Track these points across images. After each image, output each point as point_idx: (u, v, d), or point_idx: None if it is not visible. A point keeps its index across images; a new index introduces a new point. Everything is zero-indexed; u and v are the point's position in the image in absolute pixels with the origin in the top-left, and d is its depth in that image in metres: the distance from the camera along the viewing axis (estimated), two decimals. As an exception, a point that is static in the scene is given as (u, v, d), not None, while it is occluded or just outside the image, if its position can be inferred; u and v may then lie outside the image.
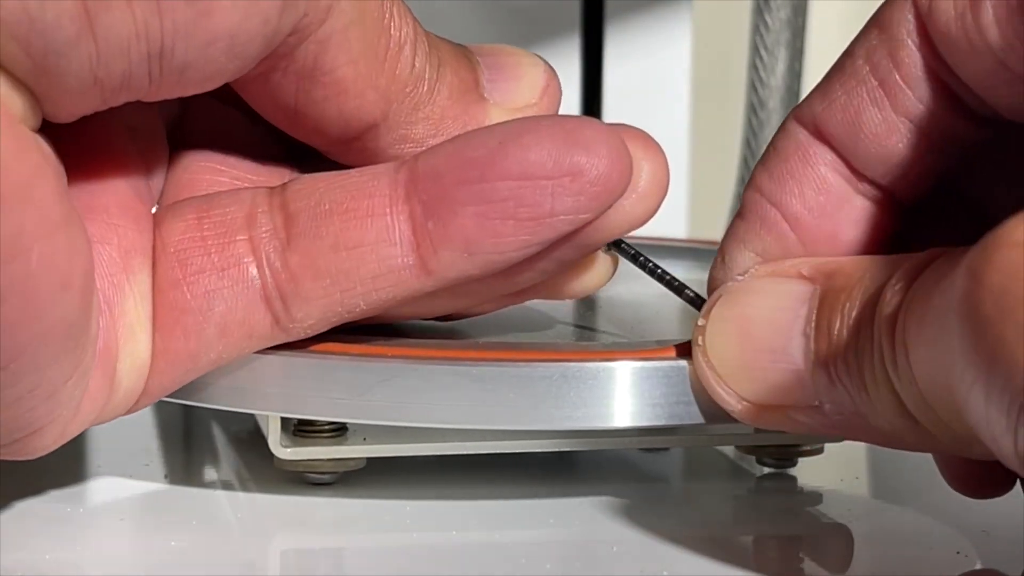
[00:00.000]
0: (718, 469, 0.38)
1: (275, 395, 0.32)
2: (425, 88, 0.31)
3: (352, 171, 0.31)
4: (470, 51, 0.33)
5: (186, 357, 0.30)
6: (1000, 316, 0.24)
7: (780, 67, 0.64)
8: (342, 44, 0.29)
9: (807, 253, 0.31)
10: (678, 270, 0.47)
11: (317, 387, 0.32)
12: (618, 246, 0.33)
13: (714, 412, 0.31)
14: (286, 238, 0.30)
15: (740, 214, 0.32)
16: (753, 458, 0.36)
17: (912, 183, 0.30)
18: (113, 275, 0.29)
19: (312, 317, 0.30)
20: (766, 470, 0.37)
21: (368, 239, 0.30)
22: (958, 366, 0.25)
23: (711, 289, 0.32)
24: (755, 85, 0.65)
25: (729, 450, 0.38)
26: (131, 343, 0.30)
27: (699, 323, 0.31)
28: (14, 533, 0.31)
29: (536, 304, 0.37)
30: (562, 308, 0.39)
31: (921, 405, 0.27)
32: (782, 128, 0.31)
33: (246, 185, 0.32)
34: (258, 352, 0.31)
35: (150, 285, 0.30)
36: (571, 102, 0.61)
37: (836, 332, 0.29)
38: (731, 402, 0.30)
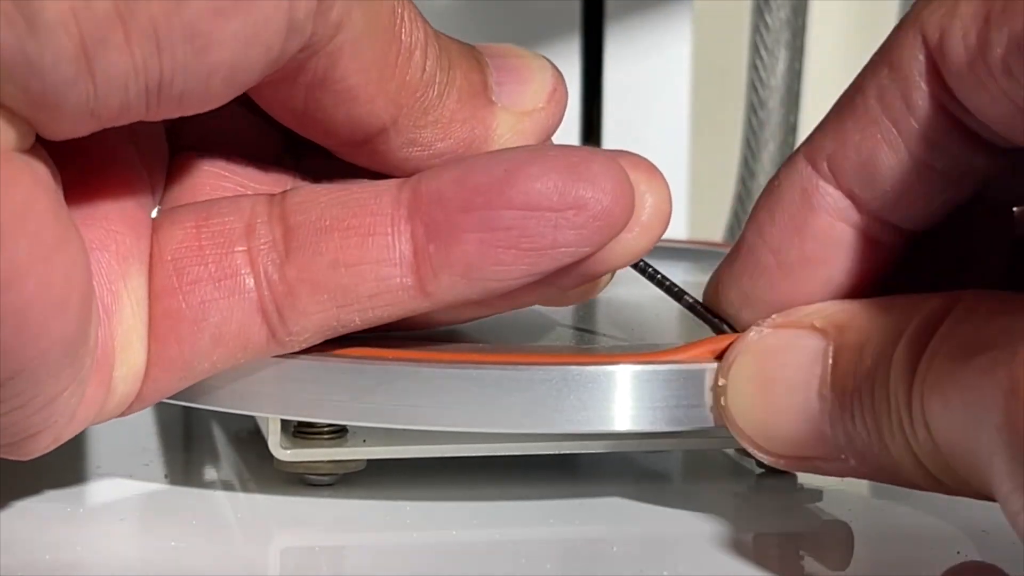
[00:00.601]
0: (718, 468, 0.38)
1: (275, 397, 0.32)
2: (435, 92, 0.31)
3: (354, 186, 0.30)
4: (479, 52, 0.33)
5: (180, 365, 0.30)
6: None
7: (780, 67, 0.64)
8: (353, 54, 0.29)
9: (796, 296, 0.31)
10: (677, 271, 0.47)
11: (317, 389, 0.32)
12: None
13: (715, 416, 0.31)
14: (285, 251, 0.30)
15: (738, 249, 0.31)
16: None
17: (928, 218, 0.30)
18: (112, 282, 0.29)
19: (308, 331, 0.30)
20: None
21: (368, 258, 0.30)
22: (997, 473, 0.25)
23: (705, 296, 0.32)
24: (755, 85, 0.65)
25: (729, 449, 0.38)
26: (128, 350, 0.30)
27: (720, 383, 0.31)
28: (14, 533, 0.31)
29: (536, 307, 0.37)
30: (562, 311, 0.39)
31: (942, 467, 0.27)
32: (789, 164, 0.31)
33: (248, 190, 0.32)
34: None
35: (146, 292, 0.30)
36: (571, 102, 0.61)
37: (851, 392, 0.29)
38: (759, 454, 0.31)
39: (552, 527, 0.33)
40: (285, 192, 0.31)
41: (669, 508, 0.34)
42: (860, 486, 0.37)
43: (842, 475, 0.30)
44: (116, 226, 0.30)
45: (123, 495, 0.35)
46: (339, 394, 0.31)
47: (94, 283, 0.29)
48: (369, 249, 0.30)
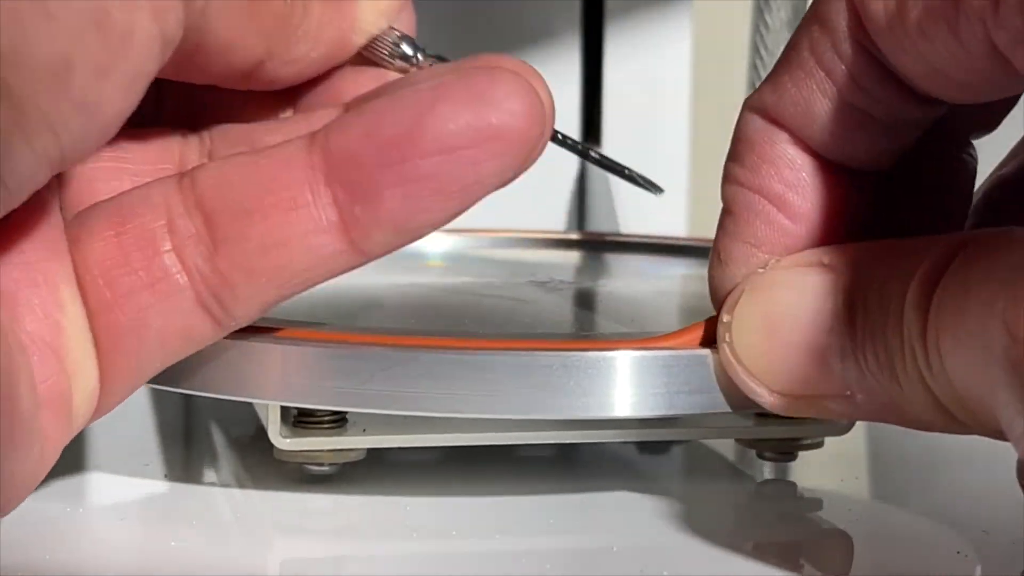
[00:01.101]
0: (718, 469, 0.38)
1: (275, 384, 0.32)
2: (301, 9, 0.31)
3: (261, 156, 0.30)
4: None
5: (130, 374, 0.30)
6: None
7: (780, 67, 0.64)
8: (220, 15, 0.29)
9: (798, 228, 0.31)
10: (678, 269, 0.47)
11: (317, 376, 0.32)
12: None
13: (722, 401, 0.31)
14: (211, 242, 0.29)
15: (725, 210, 0.32)
16: (753, 455, 0.36)
17: (876, 160, 0.31)
18: (50, 316, 0.29)
19: (252, 312, 0.30)
20: (767, 471, 0.37)
21: (296, 233, 0.29)
22: (1006, 411, 0.26)
23: (713, 290, 0.32)
24: (755, 85, 0.65)
25: (729, 451, 0.38)
26: (80, 375, 0.29)
27: (724, 319, 0.31)
28: (14, 533, 0.31)
29: (537, 300, 0.37)
30: (563, 304, 0.39)
31: (957, 402, 0.28)
32: (739, 120, 0.31)
33: (137, 164, 0.32)
34: (257, 341, 0.32)
35: (83, 312, 0.29)
36: (571, 102, 0.61)
37: (863, 324, 0.29)
38: (763, 395, 0.30)
39: (552, 527, 0.33)
40: (193, 174, 0.30)
41: (670, 513, 0.34)
42: (860, 488, 0.37)
43: (846, 416, 0.30)
44: (36, 256, 0.29)
45: (123, 495, 0.35)
46: (339, 380, 0.31)
47: (37, 324, 0.28)
48: (294, 224, 0.29)
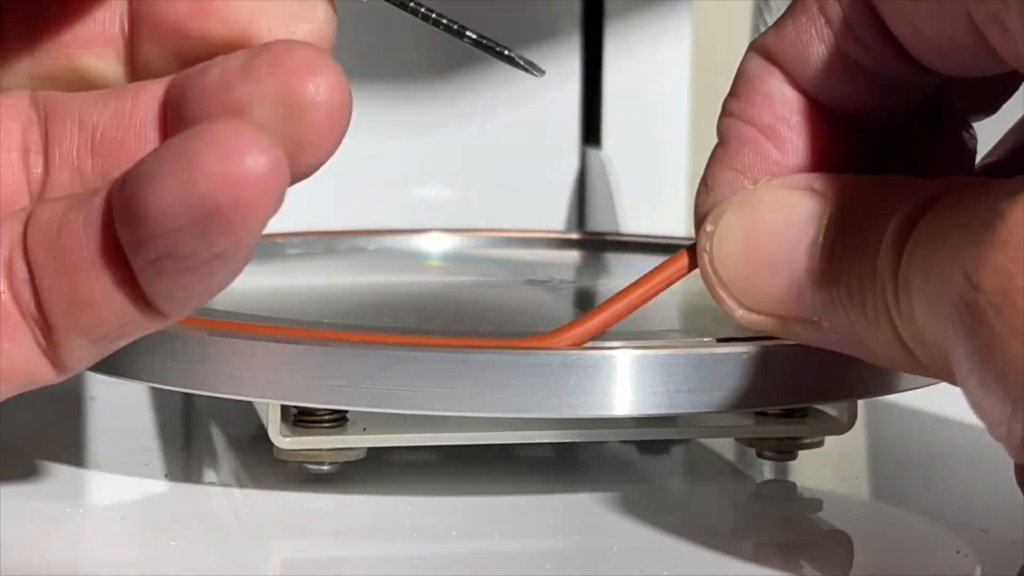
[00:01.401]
0: (718, 469, 0.38)
1: (275, 383, 0.32)
2: None
3: (72, 209, 0.28)
4: None
5: None
6: (997, 319, 0.25)
7: (780, 67, 0.64)
8: None
9: (785, 160, 0.31)
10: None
11: (317, 374, 0.32)
12: None
13: (722, 400, 0.32)
14: (35, 290, 0.29)
15: (718, 142, 0.32)
16: (753, 455, 0.36)
17: (864, 114, 0.31)
18: None
19: (85, 362, 0.29)
20: (766, 472, 0.37)
21: (97, 298, 0.28)
22: (956, 353, 0.26)
23: (697, 214, 0.32)
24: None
25: (729, 451, 0.38)
26: None
27: (707, 229, 0.31)
28: (14, 533, 0.31)
29: (537, 299, 0.37)
30: (563, 302, 0.39)
31: (920, 343, 0.28)
32: (743, 59, 0.32)
33: None
34: (258, 340, 0.32)
35: None
36: (571, 102, 0.61)
37: (840, 255, 0.29)
38: (733, 308, 0.31)
39: (552, 527, 0.33)
40: (32, 217, 0.29)
41: (670, 514, 0.34)
42: (860, 488, 0.37)
43: (810, 341, 0.30)
44: None
45: (123, 495, 0.35)
46: (339, 379, 0.31)
47: None
48: (95, 285, 0.28)
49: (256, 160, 0.26)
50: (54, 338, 0.29)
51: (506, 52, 0.31)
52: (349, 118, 0.28)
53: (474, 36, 0.31)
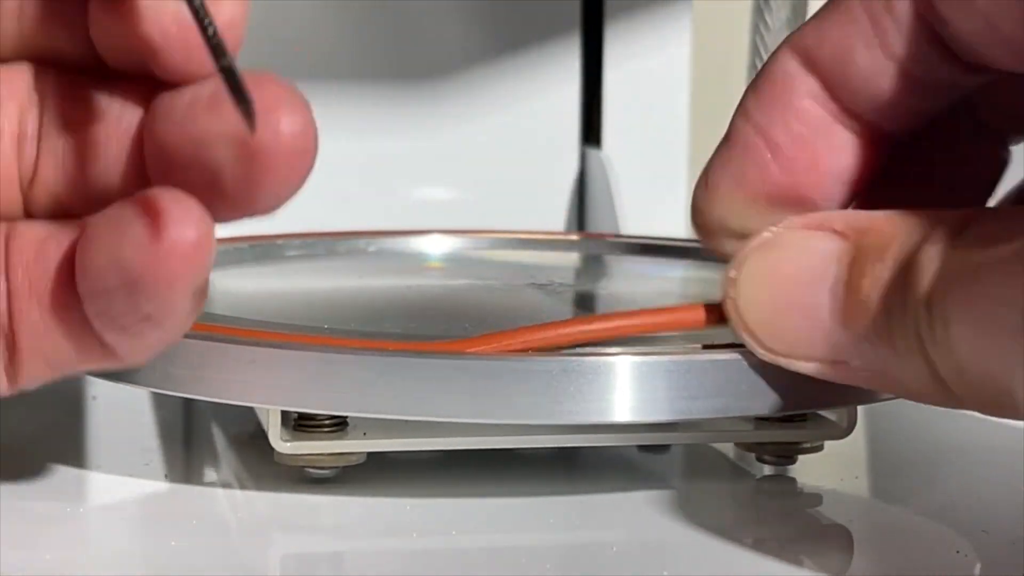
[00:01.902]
0: (718, 469, 0.38)
1: (275, 388, 0.32)
2: None
3: (51, 238, 0.29)
4: None
5: None
6: None
7: (780, 67, 0.64)
8: None
9: (784, 182, 0.31)
10: (678, 270, 0.47)
11: (318, 381, 0.32)
12: None
13: (722, 406, 0.31)
14: (9, 312, 0.29)
15: (727, 138, 0.32)
16: (752, 457, 0.36)
17: (899, 121, 0.31)
18: None
19: (39, 383, 0.30)
20: (766, 470, 0.37)
21: (61, 327, 0.29)
22: (1016, 384, 0.26)
23: (695, 210, 0.33)
24: (755, 85, 0.65)
25: (729, 450, 0.38)
26: None
27: (731, 275, 0.31)
28: (14, 533, 0.31)
29: (537, 303, 0.37)
30: (562, 307, 0.39)
31: (956, 372, 0.28)
32: (774, 54, 0.31)
33: None
34: (258, 346, 0.32)
35: None
36: (571, 102, 0.61)
37: (866, 294, 0.29)
38: (760, 352, 0.31)
39: (552, 527, 0.33)
40: (13, 229, 0.30)
41: (669, 510, 0.34)
42: (860, 488, 0.37)
43: (839, 380, 0.30)
44: None
45: (123, 495, 0.35)
46: (340, 385, 0.31)
47: None
48: (60, 321, 0.29)
49: (182, 233, 0.27)
50: (17, 358, 0.29)
51: (237, 87, 0.27)
52: (313, 159, 0.28)
53: (227, 65, 0.27)
